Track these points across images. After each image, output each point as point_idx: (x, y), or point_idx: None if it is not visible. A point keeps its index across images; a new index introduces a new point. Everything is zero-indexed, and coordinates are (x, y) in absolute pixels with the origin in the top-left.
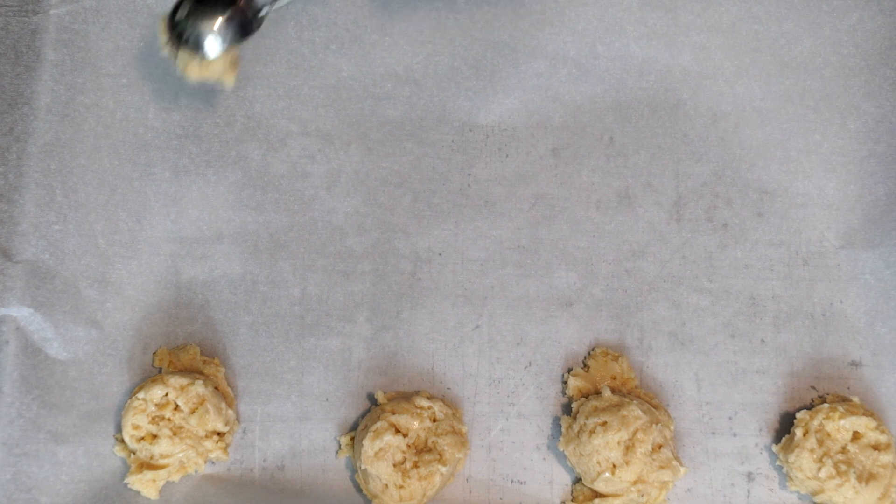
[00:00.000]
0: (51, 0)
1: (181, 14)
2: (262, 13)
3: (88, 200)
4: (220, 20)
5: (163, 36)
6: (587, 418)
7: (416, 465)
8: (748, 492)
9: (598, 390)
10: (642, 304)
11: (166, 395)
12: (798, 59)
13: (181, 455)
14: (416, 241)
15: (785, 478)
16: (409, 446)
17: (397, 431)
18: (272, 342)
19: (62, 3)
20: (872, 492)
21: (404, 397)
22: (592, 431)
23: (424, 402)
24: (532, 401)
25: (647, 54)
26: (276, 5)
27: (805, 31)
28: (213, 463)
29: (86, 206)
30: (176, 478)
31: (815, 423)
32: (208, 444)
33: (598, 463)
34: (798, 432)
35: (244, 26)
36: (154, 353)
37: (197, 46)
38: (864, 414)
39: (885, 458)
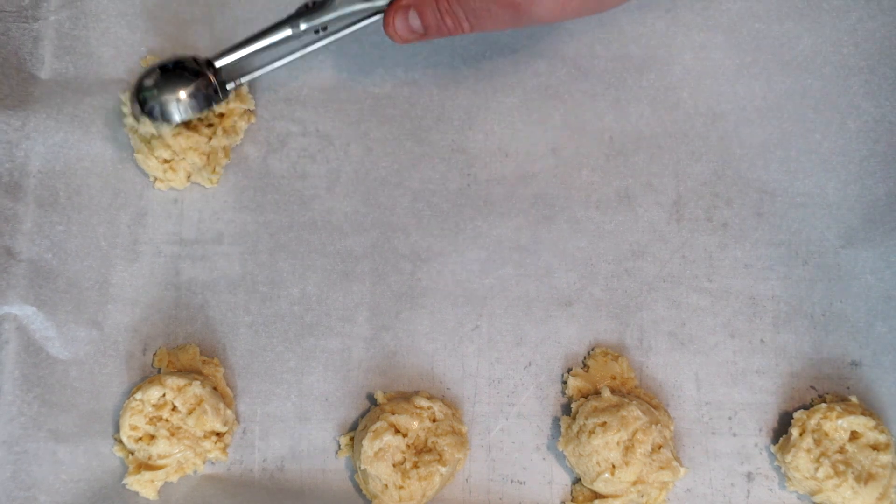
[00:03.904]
0: (49, 6)
1: (147, 83)
2: (229, 87)
3: (91, 202)
4: (183, 91)
5: (127, 107)
6: (587, 419)
7: (415, 466)
8: (748, 492)
9: (598, 390)
10: (642, 304)
11: (164, 395)
12: (798, 59)
13: (179, 455)
14: (416, 241)
15: (784, 478)
16: (408, 446)
17: (397, 431)
18: (272, 342)
19: (61, 9)
20: (871, 492)
21: (404, 397)
22: (592, 432)
23: (424, 403)
24: (532, 401)
25: (646, 53)
26: (245, 79)
27: (805, 31)
28: (212, 463)
29: (89, 207)
30: (174, 478)
31: (813, 422)
32: (207, 444)
33: (598, 463)
34: (794, 432)
35: (208, 98)
36: (154, 354)
37: (162, 115)
38: (862, 413)
39: (884, 458)
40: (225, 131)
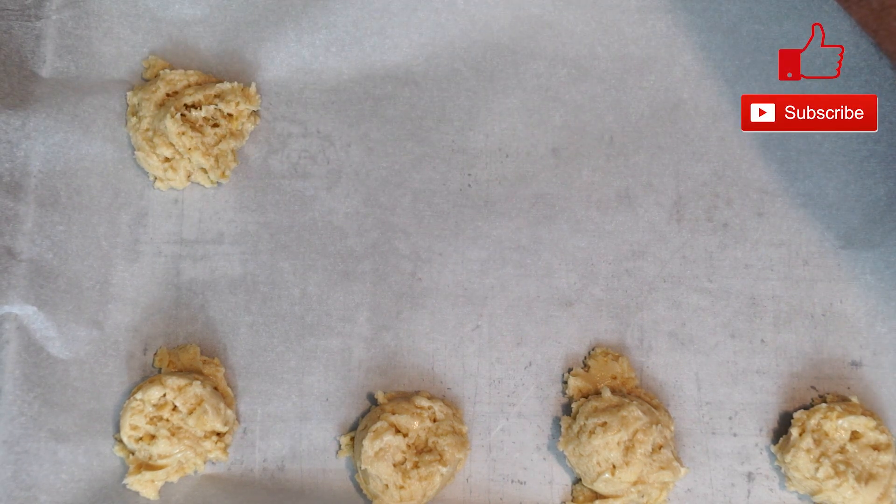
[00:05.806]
0: (52, 5)
1: None
2: None
3: (92, 202)
4: None
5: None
6: (587, 419)
7: (416, 466)
8: (748, 492)
9: (599, 390)
10: (642, 304)
11: (164, 395)
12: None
13: (179, 455)
14: (416, 241)
15: (784, 478)
16: (409, 446)
17: (397, 431)
18: (272, 342)
19: (64, 8)
20: (871, 492)
21: (404, 397)
22: (592, 432)
23: (425, 403)
24: (532, 401)
25: (646, 54)
26: None
27: (805, 31)
28: (212, 463)
29: (89, 207)
30: (175, 478)
31: (813, 422)
32: (207, 444)
33: (598, 464)
34: (794, 432)
35: None
36: (154, 354)
37: None
38: (863, 414)
39: (884, 458)
40: (233, 133)
